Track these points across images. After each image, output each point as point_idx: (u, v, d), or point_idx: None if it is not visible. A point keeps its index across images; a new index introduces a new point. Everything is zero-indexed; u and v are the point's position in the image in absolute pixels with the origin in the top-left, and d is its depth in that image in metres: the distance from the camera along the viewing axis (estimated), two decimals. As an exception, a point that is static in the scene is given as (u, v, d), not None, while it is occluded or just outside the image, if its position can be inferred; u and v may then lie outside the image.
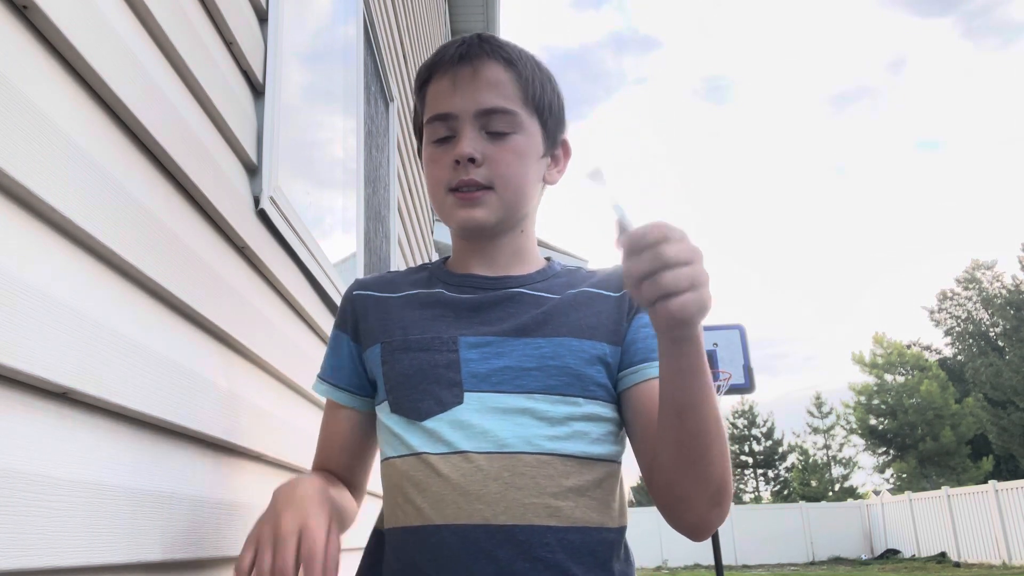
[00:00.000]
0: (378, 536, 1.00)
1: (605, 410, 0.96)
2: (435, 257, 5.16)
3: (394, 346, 0.97)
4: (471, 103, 0.95)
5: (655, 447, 0.89)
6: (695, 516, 0.88)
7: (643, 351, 0.97)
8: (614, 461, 0.96)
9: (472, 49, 0.97)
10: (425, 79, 1.01)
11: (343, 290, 2.10)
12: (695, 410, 0.82)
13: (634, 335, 0.98)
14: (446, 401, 0.92)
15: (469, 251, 1.04)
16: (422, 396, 0.93)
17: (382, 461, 1.00)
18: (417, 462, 0.91)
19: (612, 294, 1.00)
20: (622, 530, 0.95)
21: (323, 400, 1.89)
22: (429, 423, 0.92)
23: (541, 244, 5.67)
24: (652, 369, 0.95)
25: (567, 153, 1.07)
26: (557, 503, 0.88)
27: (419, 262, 4.39)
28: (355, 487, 1.10)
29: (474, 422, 0.90)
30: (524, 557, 0.85)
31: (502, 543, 0.85)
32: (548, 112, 1.01)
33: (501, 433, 0.90)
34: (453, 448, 0.89)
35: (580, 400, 0.94)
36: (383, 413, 0.99)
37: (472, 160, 0.95)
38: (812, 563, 20.74)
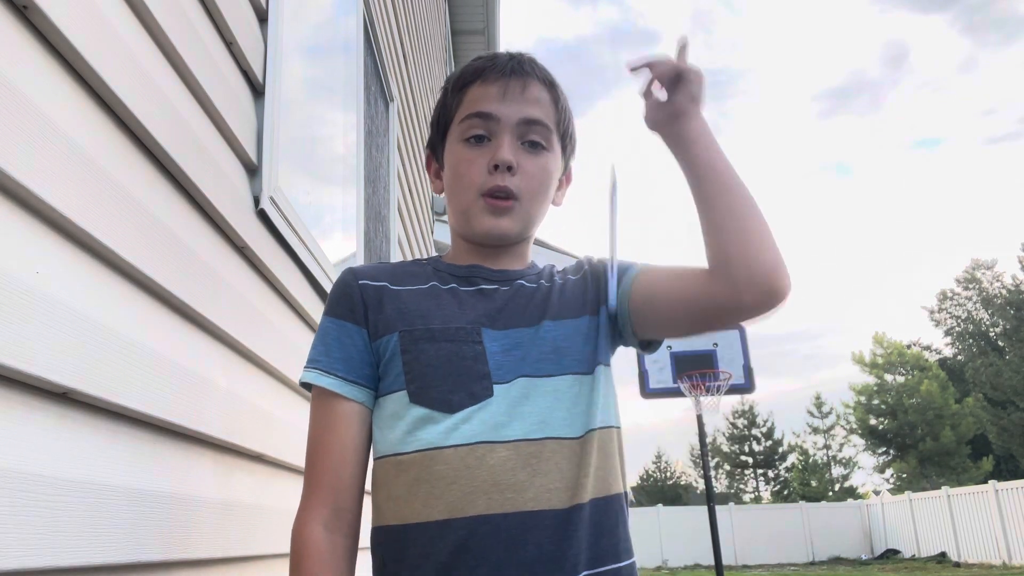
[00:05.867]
0: (385, 533, 0.96)
1: (609, 377, 1.03)
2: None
3: (416, 335, 0.97)
4: (516, 112, 1.01)
5: (707, 248, 0.98)
6: (772, 256, 0.97)
7: (617, 271, 1.06)
8: (617, 427, 1.02)
9: (524, 66, 1.04)
10: (470, 81, 1.05)
11: (343, 290, 2.10)
12: (724, 164, 0.98)
13: (599, 274, 1.08)
14: (477, 394, 0.94)
15: (473, 252, 1.07)
16: (453, 388, 0.94)
17: (388, 456, 0.95)
18: (444, 456, 0.91)
19: (574, 276, 1.09)
20: (625, 494, 1.01)
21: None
22: (460, 415, 0.93)
23: (541, 244, 5.66)
24: (632, 270, 1.06)
25: (569, 180, 1.14)
26: (578, 482, 0.93)
27: (419, 262, 4.39)
28: (360, 497, 1.00)
29: (502, 413, 0.93)
30: (552, 540, 0.89)
31: (531, 528, 0.89)
32: (569, 139, 1.09)
33: (526, 422, 0.94)
34: (480, 439, 0.91)
35: (583, 377, 0.99)
36: (398, 404, 0.96)
37: (509, 168, 1.00)
38: (812, 563, 20.74)
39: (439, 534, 0.89)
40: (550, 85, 1.05)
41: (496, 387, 0.94)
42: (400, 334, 0.97)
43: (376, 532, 0.97)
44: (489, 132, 1.01)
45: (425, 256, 4.85)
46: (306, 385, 1.01)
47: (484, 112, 1.01)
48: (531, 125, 1.02)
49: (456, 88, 1.06)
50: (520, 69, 1.03)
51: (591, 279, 1.07)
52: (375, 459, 0.99)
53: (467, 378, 0.95)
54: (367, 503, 0.99)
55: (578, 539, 0.90)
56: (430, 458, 0.91)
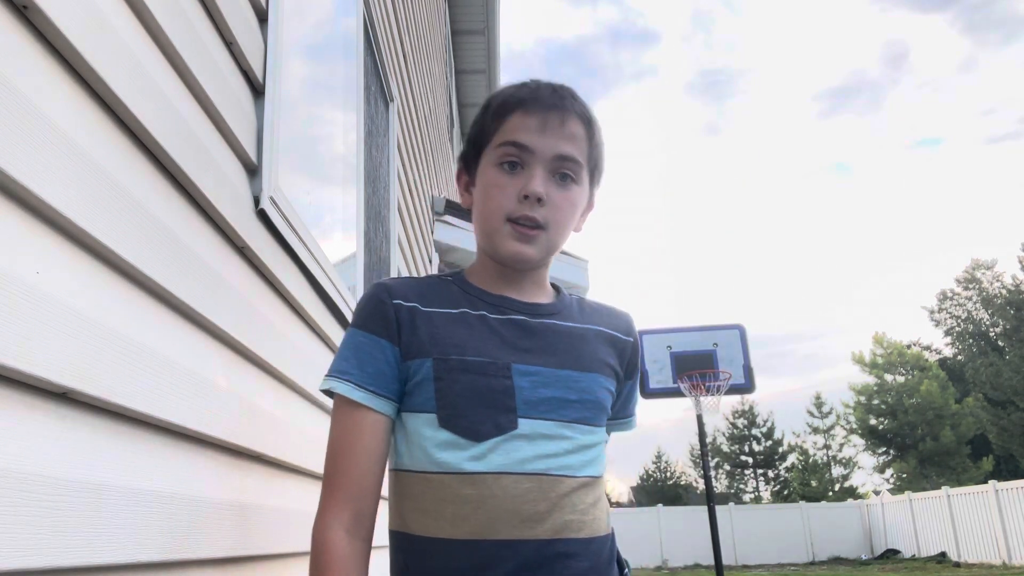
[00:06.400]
0: (409, 540, 1.01)
1: (605, 436, 1.13)
2: (435, 257, 5.16)
3: (451, 365, 1.02)
4: (552, 147, 1.05)
5: None
6: None
7: (630, 407, 1.24)
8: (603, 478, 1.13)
9: (565, 101, 1.08)
10: (511, 109, 1.08)
11: (343, 290, 2.11)
12: None
13: (628, 391, 1.21)
14: (503, 426, 1.00)
15: (498, 274, 1.12)
16: (481, 419, 1.00)
17: (415, 472, 1.02)
18: (472, 480, 0.98)
19: (623, 337, 1.17)
20: (613, 533, 1.11)
21: (326, 401, 1.89)
22: (486, 444, 0.99)
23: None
24: (630, 423, 1.25)
25: (591, 206, 1.18)
26: (584, 518, 1.02)
27: (419, 262, 4.38)
28: (377, 504, 1.06)
29: (525, 447, 1.01)
30: (564, 566, 0.98)
31: (548, 556, 0.98)
32: (597, 171, 1.14)
33: (547, 459, 1.01)
34: (507, 470, 0.99)
35: (596, 429, 1.08)
36: (426, 424, 1.02)
37: (539, 199, 1.04)
38: (812, 563, 20.74)
39: (464, 553, 0.97)
40: (587, 121, 1.09)
41: (520, 421, 1.01)
42: (435, 361, 1.02)
43: (399, 537, 1.03)
44: (523, 161, 1.05)
45: (428, 259, 4.86)
46: (328, 392, 1.05)
47: (521, 143, 1.05)
48: (564, 161, 1.06)
49: (497, 112, 1.09)
50: (561, 104, 1.07)
51: (630, 358, 1.18)
52: (399, 470, 1.05)
53: (495, 410, 1.01)
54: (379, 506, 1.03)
55: (583, 570, 1.00)
56: (459, 481, 0.98)
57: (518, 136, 1.05)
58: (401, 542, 1.02)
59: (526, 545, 0.97)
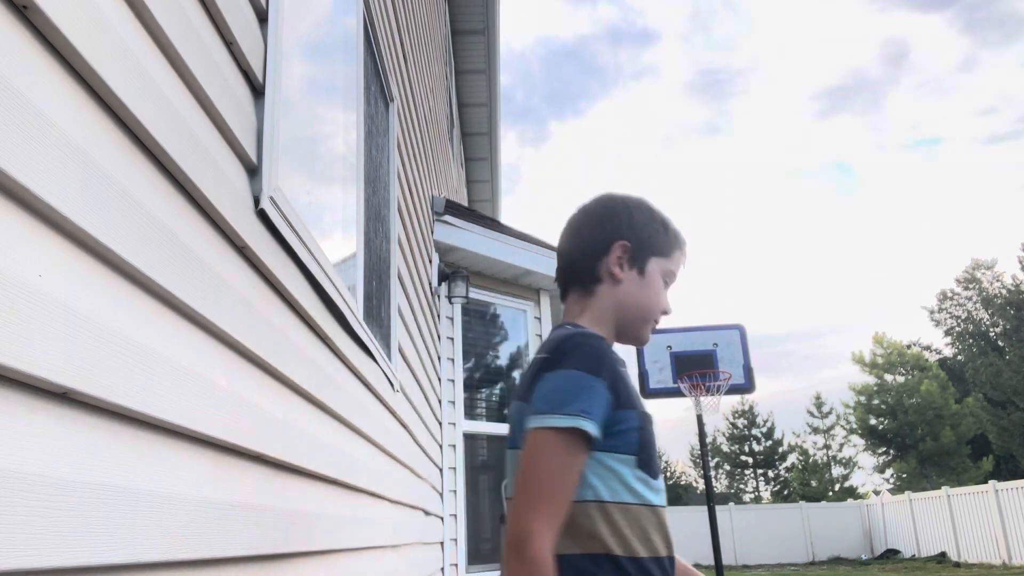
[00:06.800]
0: (607, 559, 1.20)
1: None
2: (435, 257, 5.16)
3: (647, 418, 1.28)
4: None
5: None
6: None
7: None
8: None
9: None
10: (681, 246, 1.47)
11: (343, 290, 2.11)
12: None
13: None
14: (661, 468, 1.32)
15: (610, 343, 1.39)
16: (656, 462, 1.30)
17: (612, 503, 1.22)
18: (656, 511, 1.27)
19: None
20: None
21: (328, 403, 1.89)
22: (658, 482, 1.29)
23: (536, 240, 5.67)
24: None
25: None
26: None
27: (419, 262, 4.38)
28: None
29: (661, 485, 1.31)
30: None
31: (673, 570, 1.30)
32: None
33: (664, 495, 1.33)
34: (664, 504, 1.29)
35: None
36: (624, 465, 1.23)
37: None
38: (812, 563, 20.74)
39: (653, 565, 1.22)
40: None
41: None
42: (639, 414, 1.26)
43: (600, 558, 1.19)
44: (668, 285, 1.44)
45: (436, 260, 4.88)
46: (554, 428, 1.18)
47: (676, 277, 1.45)
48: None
49: (675, 242, 1.45)
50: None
51: None
52: (598, 501, 1.21)
53: (656, 455, 1.30)
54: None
55: None
56: (647, 510, 1.25)
57: (678, 271, 1.45)
58: (601, 562, 1.20)
59: (674, 562, 1.29)
